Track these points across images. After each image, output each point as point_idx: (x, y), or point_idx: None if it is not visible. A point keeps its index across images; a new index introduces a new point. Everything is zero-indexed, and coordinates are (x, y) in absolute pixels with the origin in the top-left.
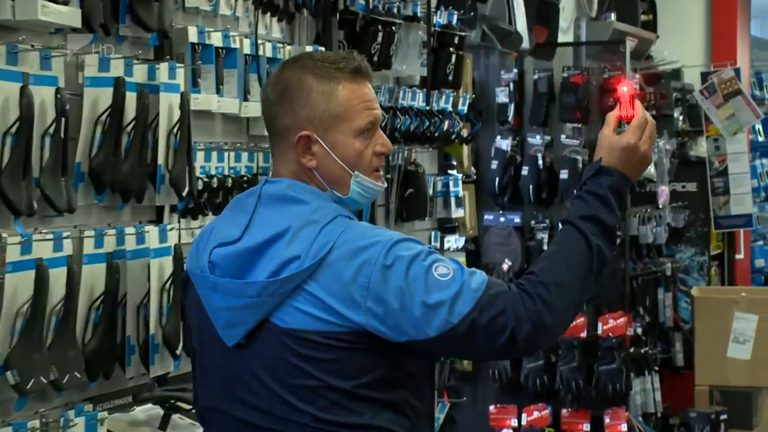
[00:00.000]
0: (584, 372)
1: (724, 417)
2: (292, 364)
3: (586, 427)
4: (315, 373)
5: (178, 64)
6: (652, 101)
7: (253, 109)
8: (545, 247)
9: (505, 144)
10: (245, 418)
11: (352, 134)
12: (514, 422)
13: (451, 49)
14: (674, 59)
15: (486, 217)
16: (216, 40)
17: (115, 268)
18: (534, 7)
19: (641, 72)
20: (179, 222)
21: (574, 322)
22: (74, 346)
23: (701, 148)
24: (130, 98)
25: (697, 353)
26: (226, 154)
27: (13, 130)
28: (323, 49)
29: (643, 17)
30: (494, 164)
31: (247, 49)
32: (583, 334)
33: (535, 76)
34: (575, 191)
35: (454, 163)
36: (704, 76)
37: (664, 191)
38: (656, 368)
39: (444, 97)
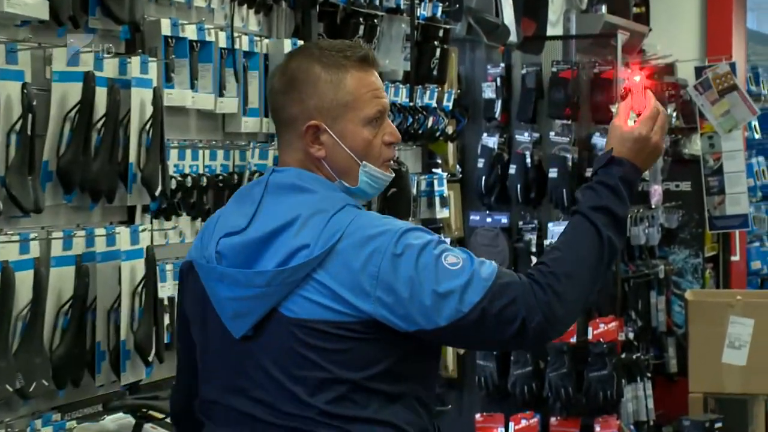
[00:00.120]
0: (574, 379)
1: (718, 425)
2: (300, 355)
3: None
4: (323, 364)
5: (150, 58)
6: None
7: (229, 105)
8: (533, 249)
9: (491, 141)
10: (249, 411)
11: (360, 123)
12: (501, 431)
13: (435, 42)
14: (667, 53)
15: (472, 217)
16: (190, 33)
17: (84, 271)
18: None
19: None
20: (151, 223)
21: None
22: (41, 353)
23: (695, 145)
24: (101, 94)
25: (690, 359)
26: (200, 152)
27: None
28: (302, 43)
29: (635, 9)
30: (480, 162)
31: (222, 43)
32: (573, 340)
33: (523, 71)
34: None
35: (439, 161)
36: (698, 71)
37: (656, 191)
38: (648, 375)
39: (428, 93)
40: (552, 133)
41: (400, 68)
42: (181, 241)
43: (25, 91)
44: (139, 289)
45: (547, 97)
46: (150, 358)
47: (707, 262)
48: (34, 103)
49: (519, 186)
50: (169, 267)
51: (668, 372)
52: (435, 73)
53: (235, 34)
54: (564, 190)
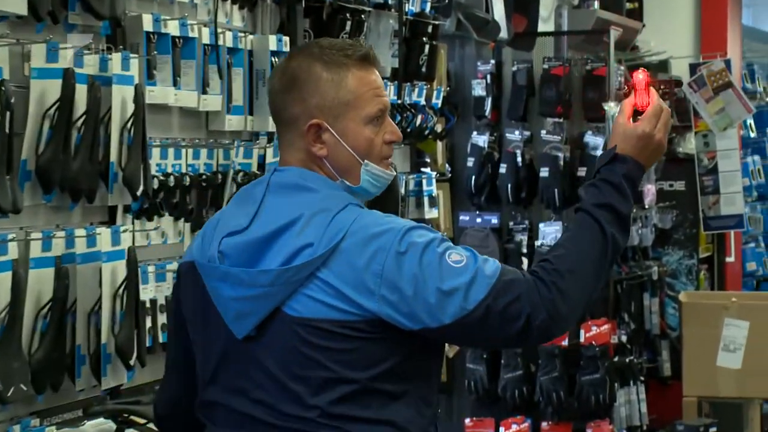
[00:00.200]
0: (565, 382)
1: (713, 430)
2: (304, 355)
3: None
4: (327, 363)
5: (131, 55)
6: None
7: (213, 102)
8: (524, 250)
9: (481, 140)
10: (249, 412)
11: (362, 122)
12: None
13: (424, 38)
14: (661, 50)
15: (461, 217)
16: (173, 28)
17: (64, 272)
18: None
19: (627, 63)
20: (133, 223)
21: None
22: (20, 357)
23: (690, 144)
24: (81, 91)
25: (684, 362)
26: (183, 150)
27: None
28: (287, 39)
29: (628, 5)
30: (470, 161)
31: (206, 39)
32: (565, 343)
33: (514, 68)
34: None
35: (428, 160)
36: (693, 68)
37: (650, 190)
38: (642, 378)
39: (417, 90)
40: (543, 132)
41: (388, 65)
42: (164, 242)
43: (2, 88)
44: (121, 291)
45: (538, 94)
46: (131, 362)
47: (702, 264)
48: (12, 100)
49: (509, 185)
50: (151, 268)
51: (662, 375)
52: (424, 70)
53: (219, 30)
54: (555, 190)
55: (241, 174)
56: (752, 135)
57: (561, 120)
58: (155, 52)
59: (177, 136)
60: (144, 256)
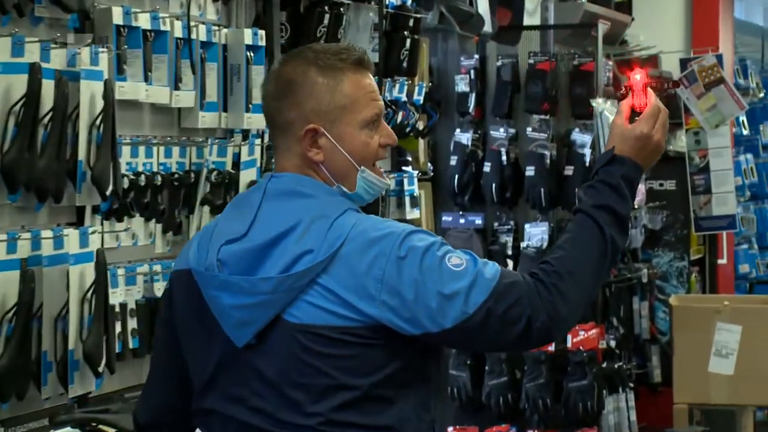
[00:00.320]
0: (552, 389)
1: None
2: (304, 362)
3: None
4: (328, 370)
5: (101, 49)
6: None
7: (185, 98)
8: (509, 252)
9: (465, 138)
10: (247, 420)
11: (358, 126)
12: None
13: (405, 32)
14: (651, 44)
15: (444, 218)
16: (143, 21)
17: (29, 275)
18: None
19: (615, 58)
20: (102, 224)
21: None
22: None
23: (680, 142)
24: (47, 86)
25: (675, 368)
26: (155, 148)
27: None
28: (263, 33)
29: None
30: (453, 160)
31: (178, 32)
32: (551, 348)
33: (499, 63)
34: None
35: (409, 158)
36: (683, 63)
37: (639, 190)
38: (631, 385)
39: (398, 86)
40: (529, 129)
41: None
42: (134, 244)
43: None
44: (89, 295)
45: (523, 90)
46: (100, 369)
47: (693, 266)
48: None
49: (494, 185)
50: (120, 271)
51: (652, 382)
52: (405, 65)
53: (192, 23)
54: (542, 189)
55: (215, 173)
56: (745, 132)
57: (547, 117)
58: (125, 47)
59: (148, 134)
60: (113, 259)
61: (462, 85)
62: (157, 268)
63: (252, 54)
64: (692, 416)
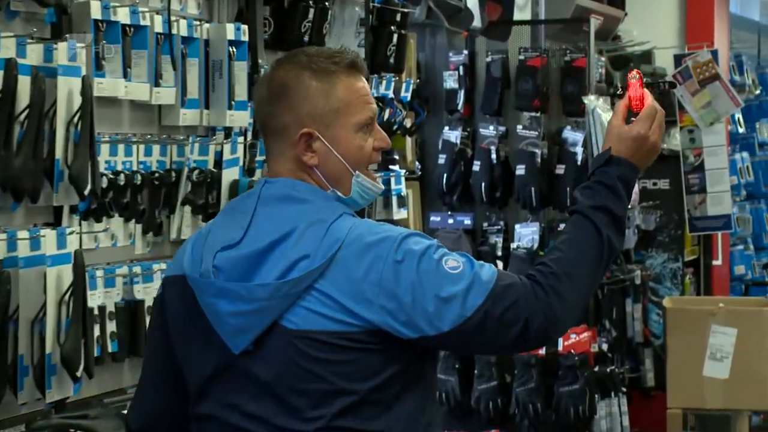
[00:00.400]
0: (543, 394)
1: None
2: (303, 368)
3: None
4: (327, 376)
5: (78, 44)
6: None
7: (166, 95)
8: (499, 253)
9: (453, 136)
10: (244, 426)
11: (353, 129)
12: None
13: (392, 27)
14: (644, 40)
15: (432, 218)
16: (123, 16)
17: (5, 277)
18: None
19: (608, 54)
20: (80, 225)
21: None
22: None
23: (674, 140)
24: (24, 83)
25: (669, 372)
26: (134, 147)
27: None
28: (246, 27)
29: None
30: (442, 159)
31: (158, 27)
32: (542, 351)
33: (488, 59)
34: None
35: (396, 157)
36: (678, 59)
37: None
38: (624, 389)
39: (384, 83)
40: (519, 127)
41: None
42: (113, 245)
43: None
44: (67, 297)
45: (514, 87)
46: (78, 374)
47: (687, 267)
48: None
49: (483, 184)
50: (99, 273)
51: (645, 386)
52: (392, 61)
53: (173, 18)
54: (532, 189)
55: (196, 172)
56: (740, 130)
57: (538, 114)
58: (104, 42)
59: (127, 132)
60: (92, 260)
61: (450, 81)
62: (137, 269)
63: (234, 50)
64: (686, 421)
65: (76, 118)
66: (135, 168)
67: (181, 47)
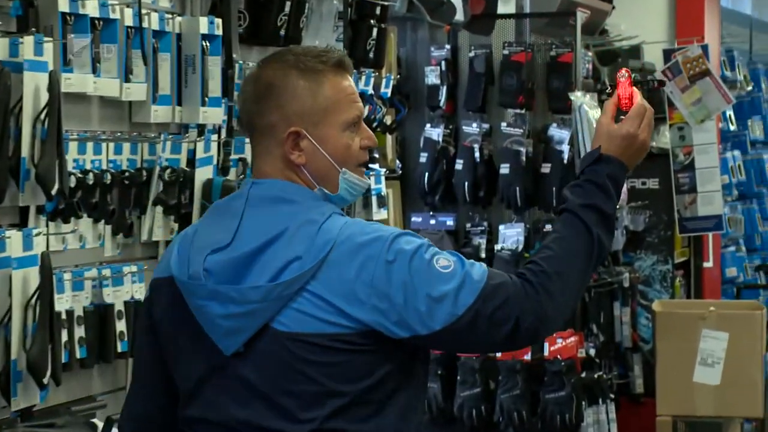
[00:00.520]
0: (528, 401)
1: None
2: (295, 369)
3: None
4: (319, 377)
5: (45, 38)
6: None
7: (136, 91)
8: (483, 255)
9: (435, 133)
10: (234, 428)
11: (340, 128)
12: None
13: (372, 21)
14: (633, 34)
15: (413, 219)
16: (91, 9)
17: None
18: None
19: (595, 49)
20: (47, 226)
21: None
22: None
23: (664, 138)
24: None
25: (658, 378)
26: (104, 144)
27: None
28: (220, 21)
29: None
30: (423, 157)
31: (129, 21)
32: (527, 357)
33: (471, 54)
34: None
35: (376, 155)
36: (667, 54)
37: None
38: (612, 396)
39: (364, 78)
40: (504, 124)
41: None
42: (81, 247)
43: None
44: (33, 301)
45: (498, 83)
46: (45, 381)
47: (677, 269)
48: None
49: (466, 183)
50: (67, 276)
51: (634, 392)
52: (371, 56)
53: (144, 11)
54: (517, 188)
55: (168, 171)
56: (732, 128)
57: (523, 111)
58: (72, 36)
59: (97, 129)
60: (59, 262)
61: (432, 77)
62: (107, 272)
63: (208, 44)
64: (676, 429)
65: (42, 115)
66: (104, 167)
67: (153, 41)
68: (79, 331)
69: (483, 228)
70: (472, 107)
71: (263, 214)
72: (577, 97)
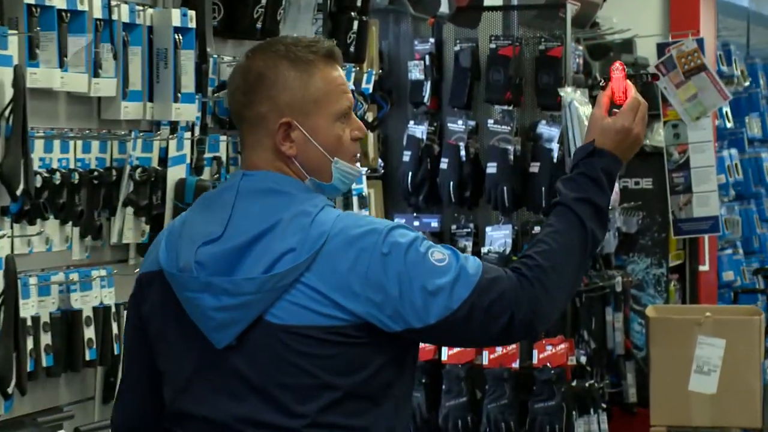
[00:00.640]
0: (516, 410)
1: None
2: (289, 362)
3: None
4: (313, 370)
5: (10, 31)
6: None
7: (106, 86)
8: None
9: (419, 131)
10: (226, 423)
11: (331, 119)
12: None
13: (352, 13)
14: (625, 27)
15: (396, 220)
16: (58, 0)
17: None
18: None
19: (586, 43)
20: (12, 228)
21: (504, 349)
22: None
23: (658, 136)
24: None
25: (652, 386)
26: (71, 143)
27: None
28: (193, 13)
29: None
30: (406, 156)
31: (98, 13)
32: (515, 364)
33: (457, 48)
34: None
35: (357, 154)
36: (661, 48)
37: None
38: (604, 405)
39: (344, 73)
40: (490, 121)
41: None
42: (48, 250)
43: None
44: None
45: (484, 78)
46: (9, 390)
47: (672, 273)
48: None
49: (451, 183)
50: (33, 280)
51: (626, 402)
52: (352, 49)
53: (113, 3)
54: (504, 188)
55: (139, 170)
56: (728, 125)
57: (511, 108)
58: (38, 28)
59: (64, 126)
60: (25, 266)
61: (416, 72)
62: (74, 276)
63: (181, 37)
64: None
65: (7, 112)
66: (72, 166)
67: (123, 34)
68: (46, 338)
69: (469, 230)
70: (457, 104)
71: (255, 206)
72: (567, 93)
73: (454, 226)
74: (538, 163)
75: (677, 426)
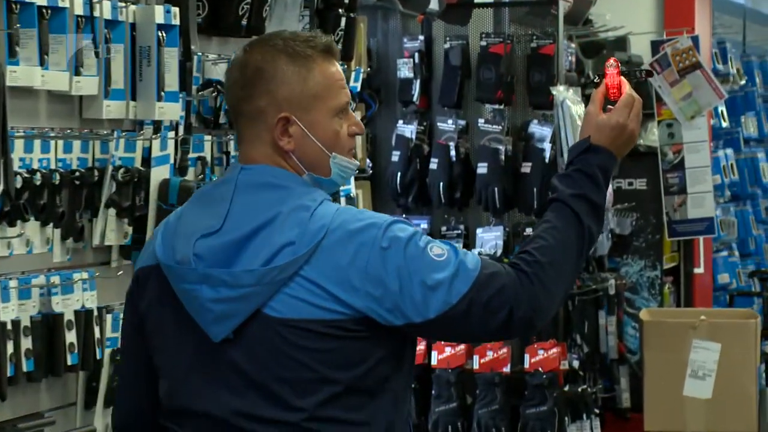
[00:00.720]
0: (507, 416)
1: None
2: (287, 356)
3: None
4: (312, 364)
5: None
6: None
7: (87, 85)
8: None
9: (408, 130)
10: (224, 418)
11: (330, 114)
12: None
13: (340, 10)
14: (618, 25)
15: None
16: None
17: None
18: None
19: (578, 40)
20: None
21: (495, 354)
22: None
23: (652, 135)
24: None
25: (646, 391)
26: (52, 142)
27: None
28: (177, 10)
29: None
30: (395, 156)
31: (79, 9)
32: (506, 369)
33: (447, 45)
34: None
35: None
36: (655, 46)
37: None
38: (597, 410)
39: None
40: (481, 121)
41: None
42: (28, 252)
43: None
44: None
45: (475, 76)
46: None
47: (666, 276)
48: None
49: (441, 184)
50: (13, 284)
51: (620, 407)
52: (339, 47)
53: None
54: (495, 189)
55: (121, 170)
56: (724, 125)
57: (502, 107)
58: (17, 26)
59: (45, 126)
60: (5, 269)
61: (405, 70)
62: (55, 279)
63: (164, 34)
64: None
65: None
66: (53, 166)
67: (105, 31)
68: (26, 343)
69: (459, 231)
70: (447, 102)
71: (254, 200)
72: (560, 91)
73: (444, 228)
74: (529, 164)
75: (671, 431)
